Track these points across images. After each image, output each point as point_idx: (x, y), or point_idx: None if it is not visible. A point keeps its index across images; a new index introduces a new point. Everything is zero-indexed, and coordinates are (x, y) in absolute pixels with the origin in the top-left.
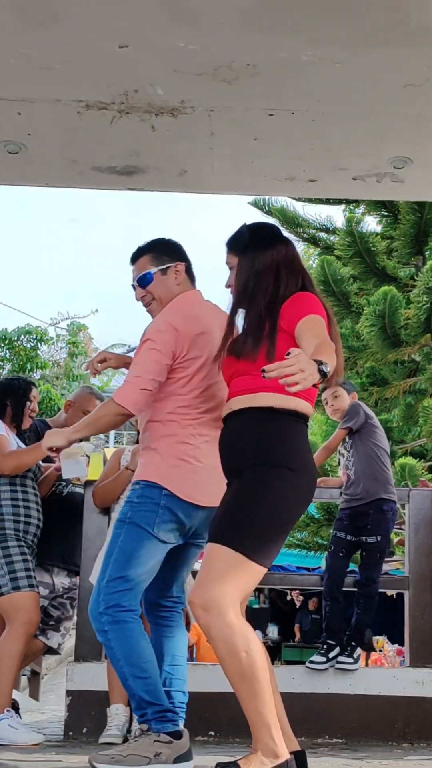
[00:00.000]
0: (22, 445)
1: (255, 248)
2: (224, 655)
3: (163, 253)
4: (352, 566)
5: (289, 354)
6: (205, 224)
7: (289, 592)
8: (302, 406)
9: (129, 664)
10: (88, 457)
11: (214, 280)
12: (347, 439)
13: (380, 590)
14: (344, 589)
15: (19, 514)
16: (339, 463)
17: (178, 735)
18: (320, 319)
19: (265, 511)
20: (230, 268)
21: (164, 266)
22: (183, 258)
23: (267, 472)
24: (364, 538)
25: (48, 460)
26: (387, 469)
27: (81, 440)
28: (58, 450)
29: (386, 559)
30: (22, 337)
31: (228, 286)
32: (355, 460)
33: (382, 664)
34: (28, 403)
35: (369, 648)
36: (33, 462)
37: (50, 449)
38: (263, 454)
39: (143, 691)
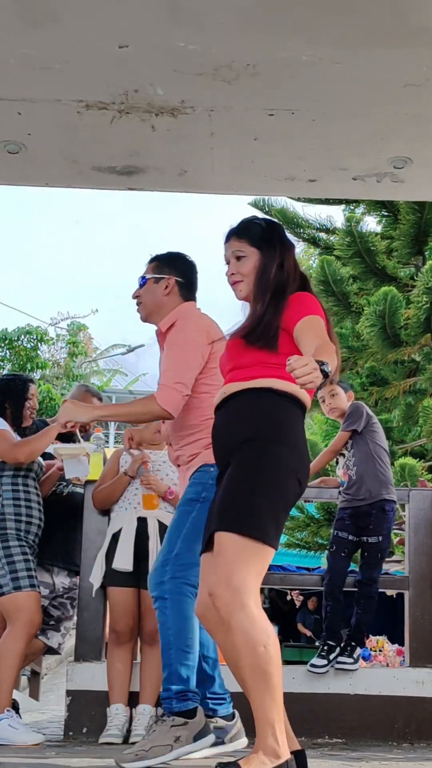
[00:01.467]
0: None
1: (273, 245)
2: (241, 647)
3: (165, 264)
4: (353, 566)
5: (289, 361)
6: (206, 225)
7: (289, 592)
8: (302, 394)
9: (177, 636)
10: (89, 456)
11: (215, 280)
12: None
13: (380, 590)
14: (344, 588)
15: (21, 514)
16: (337, 462)
17: (191, 713)
18: (320, 320)
19: (262, 488)
20: (238, 257)
21: (159, 276)
22: (183, 275)
23: (260, 447)
24: (365, 538)
25: (49, 457)
26: (387, 469)
27: (81, 440)
28: (76, 426)
29: (386, 559)
30: (23, 337)
31: (233, 274)
32: (357, 460)
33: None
34: (27, 402)
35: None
36: (46, 445)
37: (68, 425)
38: (257, 429)
39: (181, 665)
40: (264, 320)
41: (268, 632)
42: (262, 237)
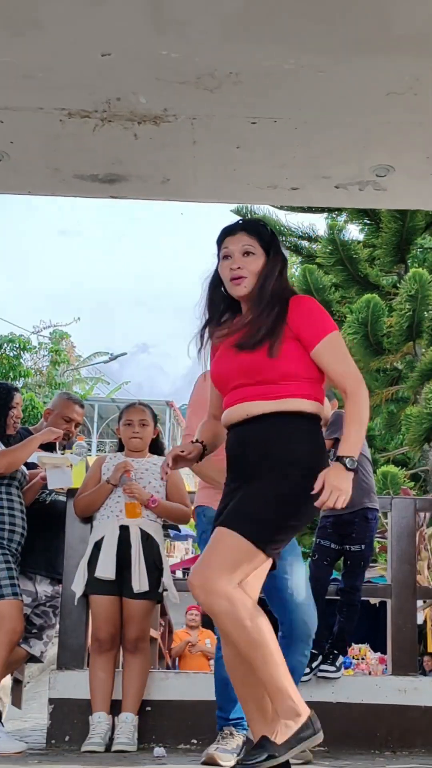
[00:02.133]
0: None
1: (278, 252)
2: (231, 630)
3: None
4: (335, 574)
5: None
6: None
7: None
8: (323, 412)
9: None
10: (72, 467)
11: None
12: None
13: (363, 598)
14: (327, 597)
15: (4, 522)
16: None
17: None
18: (339, 337)
19: (282, 508)
20: (247, 252)
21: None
22: None
23: (295, 475)
24: (348, 546)
25: (32, 467)
26: (370, 477)
27: (64, 450)
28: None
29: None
30: (5, 345)
31: (239, 268)
32: None
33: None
34: (11, 411)
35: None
36: (27, 456)
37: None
38: (294, 455)
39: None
40: (278, 329)
41: (249, 606)
42: (271, 241)
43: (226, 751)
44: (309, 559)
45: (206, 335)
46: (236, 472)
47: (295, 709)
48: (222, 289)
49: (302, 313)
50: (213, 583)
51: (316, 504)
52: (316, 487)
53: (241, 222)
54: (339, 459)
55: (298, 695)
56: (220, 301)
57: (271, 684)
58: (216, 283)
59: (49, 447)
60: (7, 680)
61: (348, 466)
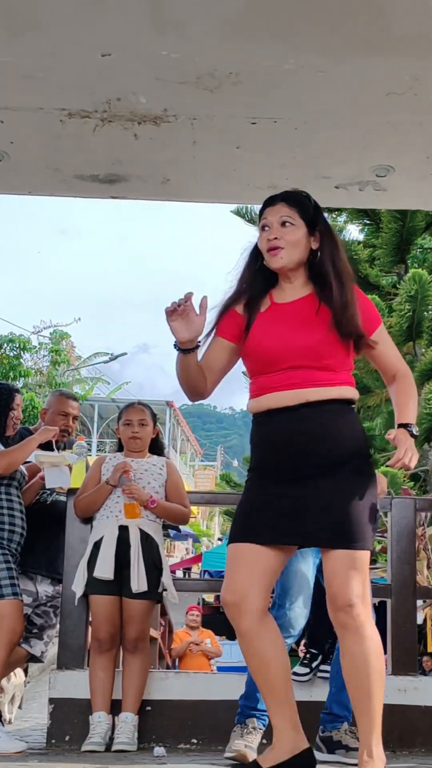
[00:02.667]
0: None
1: (326, 224)
2: (371, 654)
3: None
4: None
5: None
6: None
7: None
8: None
9: None
10: (70, 468)
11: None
12: None
13: None
14: None
15: (3, 522)
16: None
17: None
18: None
19: (374, 502)
20: (284, 222)
21: None
22: None
23: (368, 464)
24: None
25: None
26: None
27: (64, 449)
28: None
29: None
30: (5, 345)
31: (276, 238)
32: None
33: None
34: (11, 412)
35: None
36: (26, 457)
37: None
38: (361, 446)
39: None
40: (352, 311)
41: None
42: (315, 214)
43: (252, 748)
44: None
45: (237, 305)
46: (291, 463)
47: (383, 756)
48: (260, 262)
49: (359, 297)
50: (368, 609)
51: (390, 463)
52: (399, 449)
53: (281, 193)
54: (404, 426)
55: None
56: (256, 274)
57: (378, 718)
58: (254, 254)
59: (47, 446)
60: (21, 678)
61: (413, 432)
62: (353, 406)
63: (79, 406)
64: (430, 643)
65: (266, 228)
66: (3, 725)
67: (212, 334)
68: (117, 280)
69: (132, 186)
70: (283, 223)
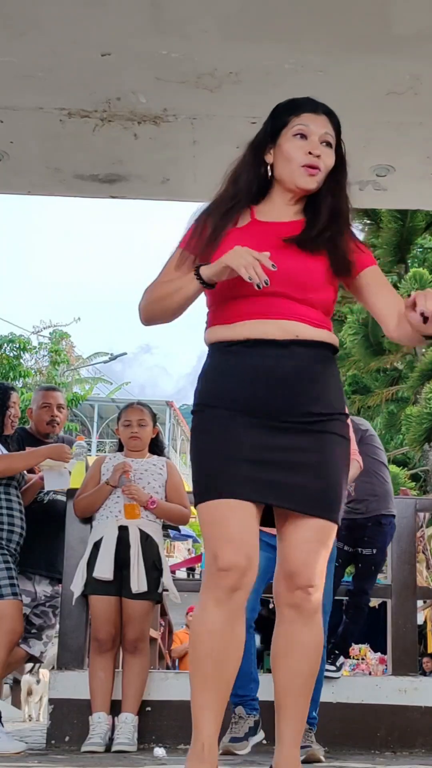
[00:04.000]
0: (5, 451)
1: (344, 158)
2: (319, 647)
3: None
4: (347, 578)
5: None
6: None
7: (272, 600)
8: None
9: None
10: (69, 471)
11: None
12: None
13: None
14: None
15: (3, 522)
16: None
17: None
18: None
19: (348, 469)
20: (329, 142)
21: None
22: None
23: (348, 427)
24: (360, 549)
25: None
26: (386, 482)
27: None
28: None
29: None
30: (5, 345)
31: (318, 157)
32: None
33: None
34: (8, 410)
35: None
36: (24, 468)
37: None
38: (344, 403)
39: None
40: (349, 249)
41: None
42: (340, 143)
43: (239, 738)
44: None
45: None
46: (270, 405)
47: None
48: (262, 170)
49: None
50: (322, 586)
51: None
52: (419, 302)
53: (321, 103)
54: None
55: None
56: (254, 181)
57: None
58: (261, 155)
59: (39, 444)
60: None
61: None
62: (336, 352)
63: (61, 396)
64: (431, 644)
65: (305, 137)
66: (3, 726)
67: (184, 248)
68: (120, 280)
69: (132, 186)
70: (326, 143)
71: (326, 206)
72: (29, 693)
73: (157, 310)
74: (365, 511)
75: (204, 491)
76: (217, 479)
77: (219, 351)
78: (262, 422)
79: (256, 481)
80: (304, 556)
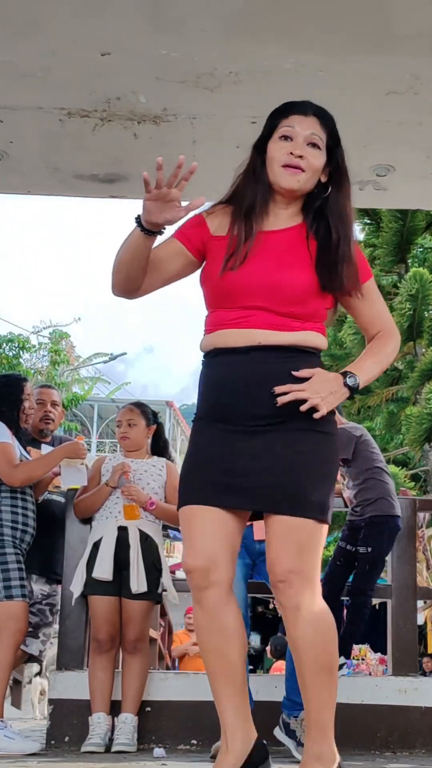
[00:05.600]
0: (23, 453)
1: (344, 159)
2: (311, 642)
3: None
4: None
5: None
6: None
7: (272, 600)
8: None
9: None
10: (87, 466)
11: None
12: (342, 465)
13: None
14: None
15: (17, 522)
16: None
17: None
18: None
19: (334, 467)
20: (314, 143)
21: None
22: None
23: (327, 421)
24: (358, 548)
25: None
26: (385, 482)
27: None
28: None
29: None
30: (5, 345)
31: (299, 157)
32: (352, 484)
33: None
34: (23, 403)
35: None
36: (45, 473)
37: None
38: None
39: None
40: (353, 260)
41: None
42: (336, 145)
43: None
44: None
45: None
46: (236, 411)
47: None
48: (262, 177)
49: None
50: (310, 585)
51: (279, 389)
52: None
53: (313, 104)
54: (343, 373)
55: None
56: (253, 191)
57: (331, 718)
58: (261, 161)
59: (34, 443)
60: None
61: (348, 382)
62: (316, 354)
63: (56, 393)
64: (431, 644)
65: (289, 138)
66: (8, 726)
67: (175, 233)
68: None
69: (132, 185)
70: (312, 144)
71: (334, 220)
72: (42, 693)
73: (116, 269)
74: (362, 513)
75: (179, 498)
76: (186, 487)
77: (202, 362)
78: (233, 428)
79: (223, 486)
80: (274, 553)
